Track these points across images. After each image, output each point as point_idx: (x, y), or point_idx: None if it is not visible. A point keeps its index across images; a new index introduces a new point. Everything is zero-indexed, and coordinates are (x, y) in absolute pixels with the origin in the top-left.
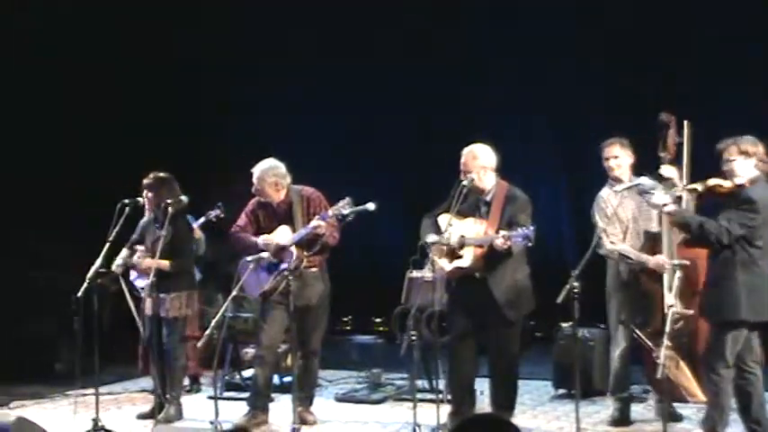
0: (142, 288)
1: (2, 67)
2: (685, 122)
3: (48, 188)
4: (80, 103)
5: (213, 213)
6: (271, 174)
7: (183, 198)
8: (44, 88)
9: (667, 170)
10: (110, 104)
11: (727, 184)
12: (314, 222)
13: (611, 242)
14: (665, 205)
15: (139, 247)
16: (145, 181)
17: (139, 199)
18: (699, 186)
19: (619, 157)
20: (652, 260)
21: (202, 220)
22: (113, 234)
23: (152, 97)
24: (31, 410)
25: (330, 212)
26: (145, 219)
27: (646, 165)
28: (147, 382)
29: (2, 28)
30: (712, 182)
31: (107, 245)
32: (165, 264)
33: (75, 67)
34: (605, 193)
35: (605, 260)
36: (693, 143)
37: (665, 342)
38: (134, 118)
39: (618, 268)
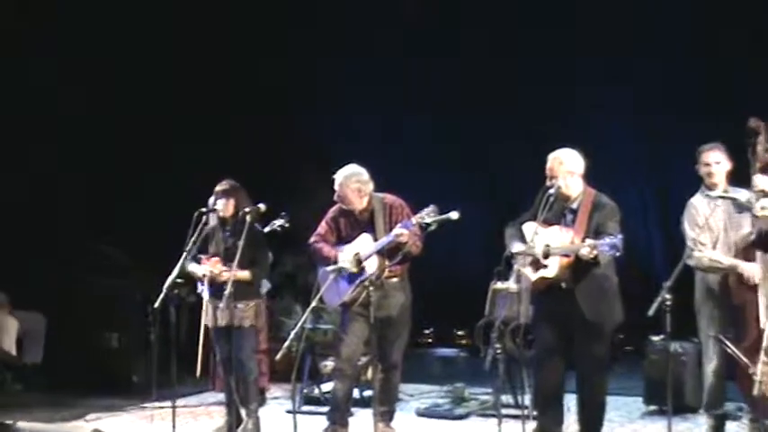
0: (211, 299)
1: (73, 66)
2: None
3: (121, 194)
4: (150, 106)
5: (278, 222)
6: (353, 180)
7: (261, 206)
8: (114, 85)
9: (761, 180)
10: (177, 109)
11: None
12: (396, 230)
13: (700, 250)
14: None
15: (203, 257)
16: (220, 188)
17: (218, 207)
18: None
19: (720, 162)
20: (747, 267)
21: (267, 229)
22: (191, 243)
23: (222, 103)
24: (107, 423)
25: (413, 221)
26: (210, 226)
27: (734, 172)
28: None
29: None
30: None
31: (184, 254)
32: (247, 274)
33: (137, 71)
34: (697, 200)
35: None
36: None
37: (763, 358)
38: (200, 121)
39: (707, 279)
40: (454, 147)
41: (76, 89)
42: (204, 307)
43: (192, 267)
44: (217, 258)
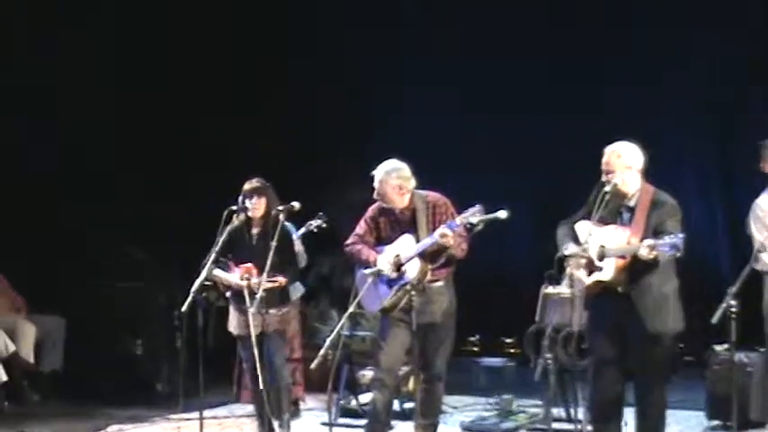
0: (232, 305)
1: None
2: None
3: (147, 193)
4: (179, 103)
5: (315, 223)
6: (394, 176)
7: (295, 204)
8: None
9: None
10: (205, 105)
11: None
12: (440, 231)
13: None
14: None
15: (231, 262)
16: (249, 186)
17: (248, 205)
18: None
19: None
20: None
21: (303, 230)
22: (220, 244)
23: (251, 98)
24: None
25: (458, 221)
26: (234, 226)
27: None
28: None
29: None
30: None
31: (213, 255)
32: (282, 279)
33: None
34: (763, 200)
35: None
36: None
37: None
38: (229, 119)
39: None
40: (501, 143)
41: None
42: (231, 314)
43: (219, 273)
44: (250, 265)
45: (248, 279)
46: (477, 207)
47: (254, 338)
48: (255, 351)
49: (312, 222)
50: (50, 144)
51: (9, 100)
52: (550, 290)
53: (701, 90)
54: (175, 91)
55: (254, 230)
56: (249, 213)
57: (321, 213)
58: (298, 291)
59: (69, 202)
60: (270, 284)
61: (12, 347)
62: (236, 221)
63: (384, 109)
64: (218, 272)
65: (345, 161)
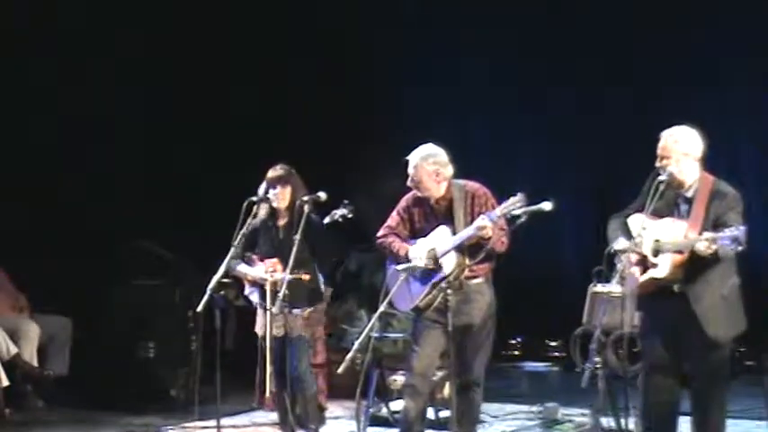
0: (259, 303)
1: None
2: None
3: (161, 183)
4: (203, 86)
5: (340, 213)
6: (431, 161)
7: (321, 194)
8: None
9: None
10: (228, 90)
11: None
12: (479, 223)
13: None
14: None
15: (255, 256)
16: (273, 174)
17: (270, 196)
18: None
19: None
20: None
21: (327, 220)
22: (240, 237)
23: (277, 81)
24: None
25: (498, 212)
26: (259, 218)
27: None
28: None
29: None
30: None
31: (232, 249)
32: (306, 276)
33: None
34: None
35: None
36: None
37: None
38: (252, 105)
39: None
40: (544, 129)
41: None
42: (258, 314)
43: (243, 269)
44: (275, 260)
45: (272, 274)
46: (519, 196)
47: (268, 341)
48: (268, 354)
49: (337, 212)
50: (51, 134)
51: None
52: (599, 288)
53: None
54: (194, 73)
55: (280, 222)
56: (273, 204)
57: (346, 201)
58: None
59: (75, 193)
60: (290, 279)
61: (14, 349)
62: (261, 213)
63: (416, 91)
64: (242, 267)
65: (375, 147)
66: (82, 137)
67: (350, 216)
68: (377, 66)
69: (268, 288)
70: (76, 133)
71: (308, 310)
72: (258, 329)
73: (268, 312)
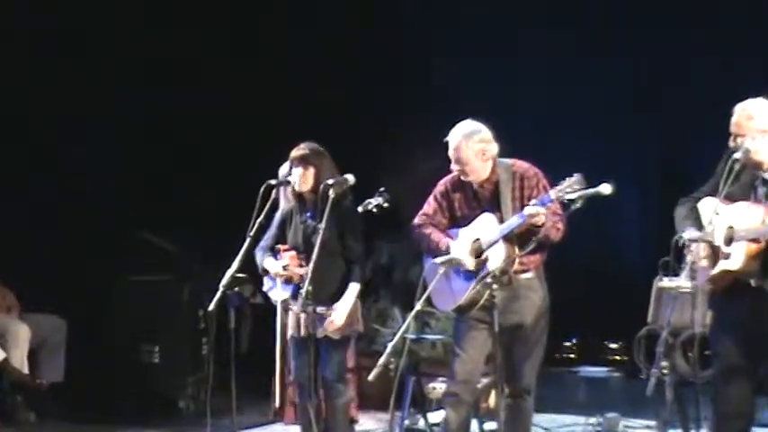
0: (283, 301)
1: None
2: None
3: (169, 164)
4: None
5: (374, 202)
6: (476, 139)
7: (349, 177)
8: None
9: None
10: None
11: None
12: (529, 209)
13: None
14: None
15: (281, 247)
16: (296, 153)
17: (291, 178)
18: None
19: None
20: None
21: (360, 209)
22: (256, 226)
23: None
24: None
25: (552, 195)
26: (285, 206)
27: None
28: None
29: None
30: None
31: (247, 240)
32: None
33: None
34: None
35: None
36: None
37: None
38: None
39: None
40: (608, 101)
41: None
42: (279, 312)
43: (269, 263)
44: (293, 253)
45: (285, 267)
46: (576, 177)
47: (278, 343)
48: (278, 359)
49: (371, 201)
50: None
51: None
52: (666, 283)
53: None
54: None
55: (307, 210)
56: (296, 188)
57: (383, 190)
58: None
59: (72, 181)
60: (303, 271)
61: (1, 354)
62: (288, 200)
63: (451, 62)
64: (269, 262)
65: (409, 126)
66: (76, 130)
67: (385, 206)
68: (407, 36)
69: (278, 283)
70: (73, 127)
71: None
72: (289, 329)
73: (290, 313)
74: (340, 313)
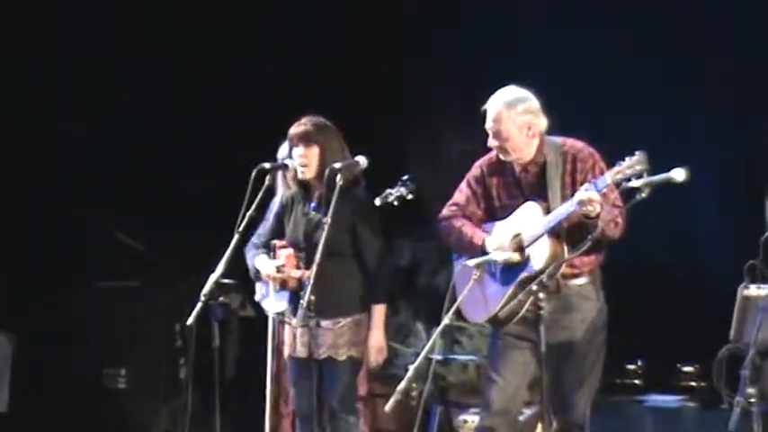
0: (279, 313)
1: None
2: None
3: (142, 150)
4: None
5: (396, 192)
6: (520, 109)
7: (361, 159)
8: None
9: None
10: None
11: None
12: (581, 195)
13: None
14: None
15: (277, 243)
16: (296, 130)
17: (288, 161)
18: None
19: None
20: None
21: (378, 202)
22: (247, 219)
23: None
24: None
25: (608, 179)
26: (285, 195)
27: None
28: None
29: None
30: None
31: (234, 238)
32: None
33: None
34: None
35: None
36: None
37: None
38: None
39: None
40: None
41: None
42: (271, 325)
43: (261, 263)
44: (290, 251)
45: (279, 269)
46: (638, 156)
47: (269, 362)
48: (269, 382)
49: (391, 191)
50: None
51: None
52: (753, 291)
53: None
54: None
55: (315, 197)
56: (300, 175)
57: (406, 177)
58: None
59: (23, 166)
60: (301, 274)
61: None
62: (288, 186)
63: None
64: (260, 260)
65: (436, 101)
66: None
67: (409, 197)
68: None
69: (272, 290)
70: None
71: (347, 319)
72: (286, 348)
73: (287, 327)
74: (376, 350)
